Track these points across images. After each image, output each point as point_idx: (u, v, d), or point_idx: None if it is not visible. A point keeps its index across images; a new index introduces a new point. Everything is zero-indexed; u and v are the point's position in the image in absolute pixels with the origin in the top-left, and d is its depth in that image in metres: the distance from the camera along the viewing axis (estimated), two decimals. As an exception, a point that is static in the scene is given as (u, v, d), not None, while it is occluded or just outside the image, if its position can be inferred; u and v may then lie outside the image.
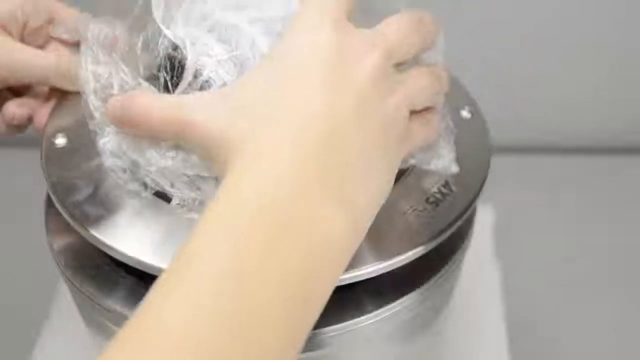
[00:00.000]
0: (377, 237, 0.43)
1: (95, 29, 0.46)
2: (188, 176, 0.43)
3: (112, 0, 0.48)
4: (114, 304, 0.45)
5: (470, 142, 0.51)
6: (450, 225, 0.45)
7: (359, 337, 0.46)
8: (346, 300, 0.45)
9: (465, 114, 0.53)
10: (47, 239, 0.50)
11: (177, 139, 0.41)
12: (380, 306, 0.45)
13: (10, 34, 0.52)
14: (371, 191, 0.39)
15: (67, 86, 0.52)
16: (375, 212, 0.40)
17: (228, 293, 0.34)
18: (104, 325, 0.47)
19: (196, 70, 0.43)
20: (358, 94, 0.38)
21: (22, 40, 0.53)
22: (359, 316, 0.45)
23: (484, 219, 0.72)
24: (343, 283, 0.42)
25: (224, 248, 0.35)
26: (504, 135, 0.99)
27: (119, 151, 0.44)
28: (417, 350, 0.52)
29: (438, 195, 0.47)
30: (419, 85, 0.42)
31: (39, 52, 0.52)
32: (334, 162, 0.37)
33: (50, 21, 0.54)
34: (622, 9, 0.92)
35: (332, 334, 0.44)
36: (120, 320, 0.45)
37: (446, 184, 0.47)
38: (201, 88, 0.43)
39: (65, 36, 0.54)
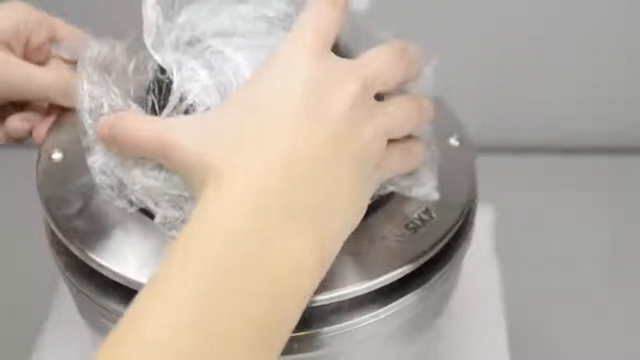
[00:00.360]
0: (355, 260, 0.44)
1: (95, 49, 0.47)
2: (171, 195, 0.44)
3: (112, 21, 0.48)
4: (114, 304, 0.45)
5: (456, 170, 0.51)
6: (425, 252, 0.46)
7: (358, 337, 0.46)
8: (345, 301, 0.45)
9: (453, 141, 0.53)
10: (46, 239, 0.50)
11: (160, 160, 0.42)
12: (380, 306, 0.45)
13: (12, 50, 0.53)
14: (339, 221, 0.40)
15: (67, 103, 0.53)
16: (343, 240, 0.41)
17: (192, 324, 0.34)
18: (103, 325, 0.47)
19: (181, 95, 0.43)
20: (333, 125, 0.39)
21: (24, 56, 0.54)
22: (358, 316, 0.45)
23: (484, 218, 0.71)
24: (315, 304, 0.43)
25: (191, 277, 0.36)
26: (504, 135, 1.00)
27: (106, 169, 0.45)
28: (416, 350, 0.52)
29: (417, 222, 0.47)
30: (398, 115, 0.43)
31: (40, 68, 0.53)
32: (305, 192, 0.38)
33: (52, 38, 0.55)
34: (622, 8, 0.92)
35: (332, 334, 0.45)
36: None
37: (427, 211, 0.48)
38: (186, 112, 0.43)
39: (65, 55, 0.55)
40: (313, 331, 0.44)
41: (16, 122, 0.55)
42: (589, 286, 0.85)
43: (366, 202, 0.42)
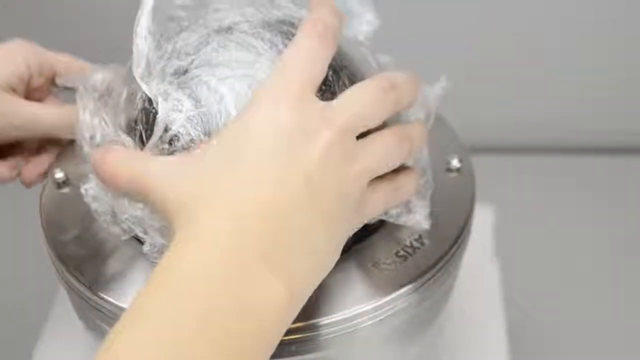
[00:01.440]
0: (346, 285, 0.45)
1: (95, 77, 0.48)
2: (157, 225, 0.44)
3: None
4: (114, 307, 0.46)
5: (454, 194, 0.51)
6: (409, 282, 0.46)
7: (358, 339, 0.46)
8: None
9: (454, 163, 0.53)
10: (45, 244, 0.50)
11: (141, 200, 0.43)
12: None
13: (16, 92, 0.55)
14: (311, 264, 0.40)
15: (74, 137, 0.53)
16: (316, 282, 0.41)
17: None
18: (103, 330, 0.47)
19: (166, 125, 0.44)
20: (307, 172, 0.39)
21: (26, 96, 0.55)
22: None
23: (484, 219, 0.71)
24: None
25: (163, 316, 0.36)
26: (504, 135, 1.00)
27: (99, 197, 0.46)
28: (416, 351, 0.52)
29: (409, 250, 0.47)
30: (383, 153, 0.43)
31: (45, 107, 0.55)
32: (277, 237, 0.39)
33: (53, 77, 0.56)
34: (622, 8, 0.92)
35: (332, 335, 0.45)
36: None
37: (419, 238, 0.48)
38: (170, 142, 0.44)
39: (69, 85, 0.55)
40: (313, 333, 0.44)
41: (4, 169, 0.56)
42: (589, 286, 0.85)
43: (340, 245, 0.42)
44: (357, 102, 0.42)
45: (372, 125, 0.42)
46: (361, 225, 0.44)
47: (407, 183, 0.46)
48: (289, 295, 0.38)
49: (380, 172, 0.43)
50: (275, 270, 0.38)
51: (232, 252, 0.38)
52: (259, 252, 0.38)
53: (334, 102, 0.42)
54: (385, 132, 0.43)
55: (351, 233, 0.43)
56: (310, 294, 0.41)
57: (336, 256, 0.42)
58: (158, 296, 0.37)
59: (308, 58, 0.42)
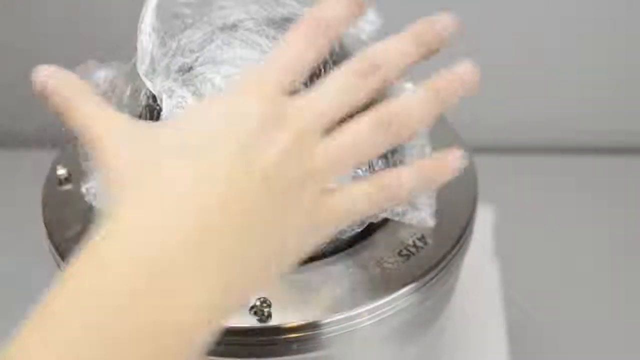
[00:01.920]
0: (348, 284, 0.45)
1: (100, 76, 0.48)
2: None
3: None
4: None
5: (456, 194, 0.50)
6: (412, 281, 0.46)
7: (358, 338, 0.46)
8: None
9: None
10: (47, 241, 0.50)
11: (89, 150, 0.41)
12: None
13: None
14: (257, 269, 0.37)
15: None
16: (261, 285, 0.39)
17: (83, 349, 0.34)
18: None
19: None
20: (261, 171, 0.37)
21: None
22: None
23: (484, 219, 0.71)
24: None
25: (75, 312, 0.35)
26: (504, 135, 1.00)
27: (101, 195, 0.46)
28: (417, 351, 0.53)
29: (412, 249, 0.47)
30: (352, 143, 0.39)
31: None
32: (217, 239, 0.36)
33: None
34: (622, 8, 0.92)
35: (334, 334, 0.45)
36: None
37: (422, 237, 0.48)
38: None
39: None
40: (313, 332, 0.44)
41: None
42: (589, 286, 0.84)
43: (299, 249, 0.39)
44: (326, 98, 0.39)
45: (350, 109, 0.40)
46: (330, 231, 0.40)
47: (385, 182, 0.41)
48: (221, 303, 0.36)
49: (348, 169, 0.40)
50: (208, 277, 0.35)
51: (161, 251, 0.35)
52: (191, 255, 0.35)
53: (303, 100, 0.39)
54: (362, 118, 0.40)
55: (316, 239, 0.39)
56: (253, 290, 0.39)
57: (293, 257, 0.39)
58: (72, 288, 0.37)
59: (292, 56, 0.39)
